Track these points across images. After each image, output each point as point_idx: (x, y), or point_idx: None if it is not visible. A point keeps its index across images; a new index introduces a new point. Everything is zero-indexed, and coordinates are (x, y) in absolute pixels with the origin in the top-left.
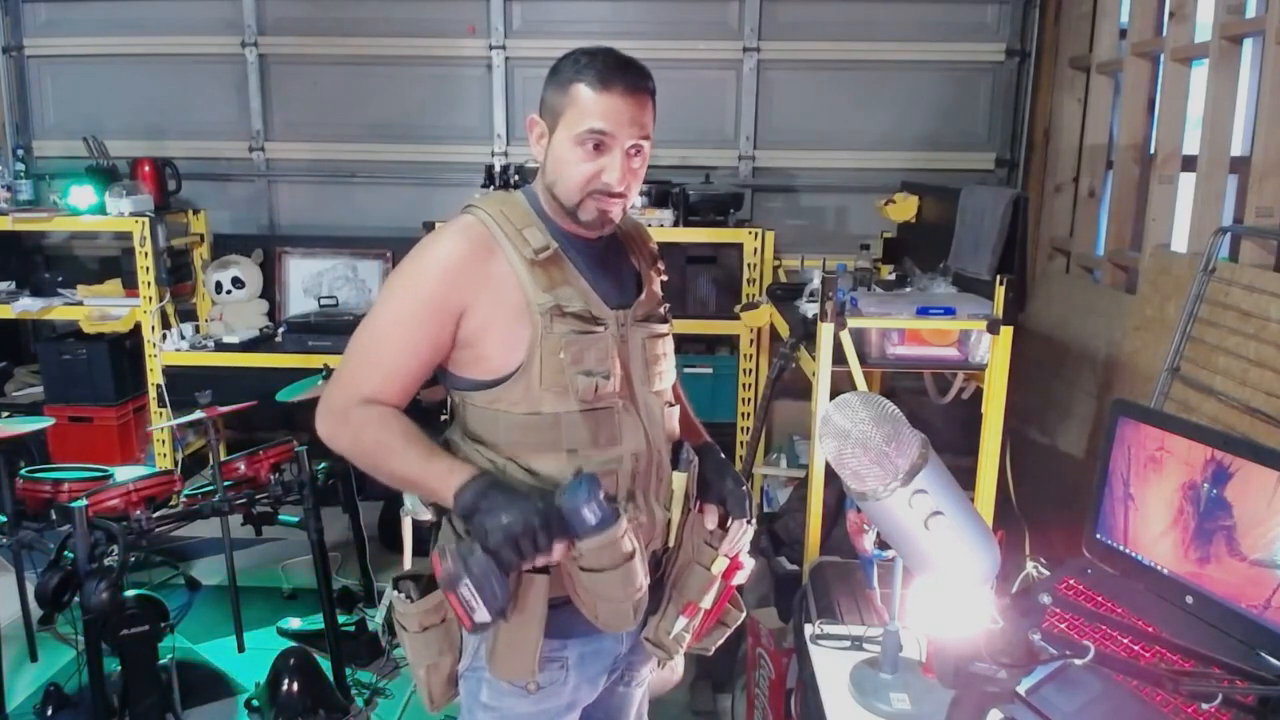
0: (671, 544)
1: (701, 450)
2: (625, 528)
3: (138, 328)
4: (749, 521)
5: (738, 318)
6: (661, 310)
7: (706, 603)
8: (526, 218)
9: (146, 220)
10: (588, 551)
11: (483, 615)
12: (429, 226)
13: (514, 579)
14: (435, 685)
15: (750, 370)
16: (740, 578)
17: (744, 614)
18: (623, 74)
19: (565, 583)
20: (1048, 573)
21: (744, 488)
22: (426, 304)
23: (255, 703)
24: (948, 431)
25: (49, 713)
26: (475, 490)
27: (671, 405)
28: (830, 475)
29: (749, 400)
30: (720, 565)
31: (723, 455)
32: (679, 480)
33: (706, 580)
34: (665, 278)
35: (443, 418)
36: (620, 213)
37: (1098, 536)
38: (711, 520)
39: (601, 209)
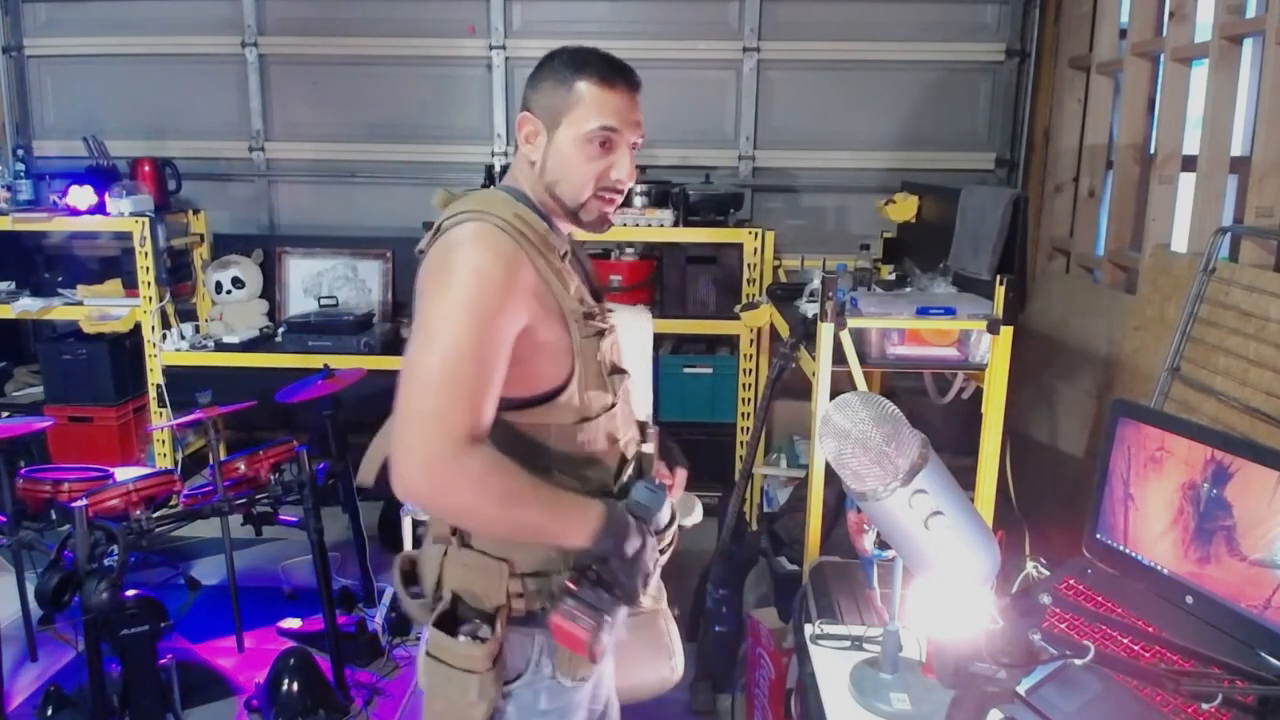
0: None
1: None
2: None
3: (138, 328)
4: (684, 465)
5: (738, 318)
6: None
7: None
8: (541, 222)
9: (146, 220)
10: (661, 542)
11: (607, 644)
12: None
13: None
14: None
15: (750, 370)
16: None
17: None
18: (623, 72)
19: None
20: (1048, 573)
21: (671, 443)
22: (499, 319)
23: (255, 703)
24: (948, 431)
25: (49, 713)
26: (610, 529)
27: None
28: (830, 475)
29: (749, 400)
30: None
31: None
32: (650, 447)
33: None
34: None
35: None
36: (614, 210)
37: (1098, 536)
38: (665, 477)
39: (604, 208)
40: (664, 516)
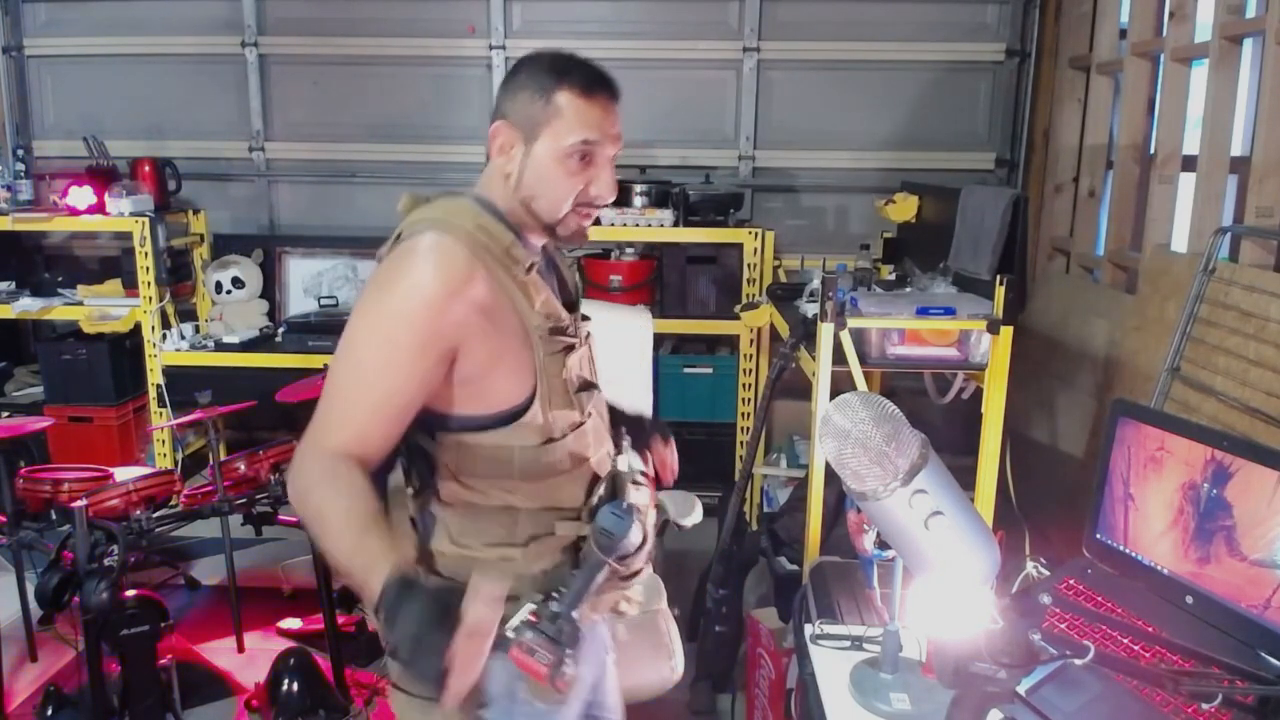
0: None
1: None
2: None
3: (138, 328)
4: (666, 436)
5: (738, 318)
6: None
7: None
8: (506, 233)
9: (146, 220)
10: (630, 566)
11: (571, 674)
12: None
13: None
14: None
15: (750, 370)
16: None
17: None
18: (604, 82)
19: None
20: (1048, 573)
21: (641, 421)
22: (417, 342)
23: (255, 703)
24: (948, 431)
25: (49, 713)
26: (384, 608)
27: None
28: (830, 475)
29: (749, 400)
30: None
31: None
32: (625, 459)
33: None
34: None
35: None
36: (591, 223)
37: (1098, 536)
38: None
39: (582, 222)
40: (632, 541)
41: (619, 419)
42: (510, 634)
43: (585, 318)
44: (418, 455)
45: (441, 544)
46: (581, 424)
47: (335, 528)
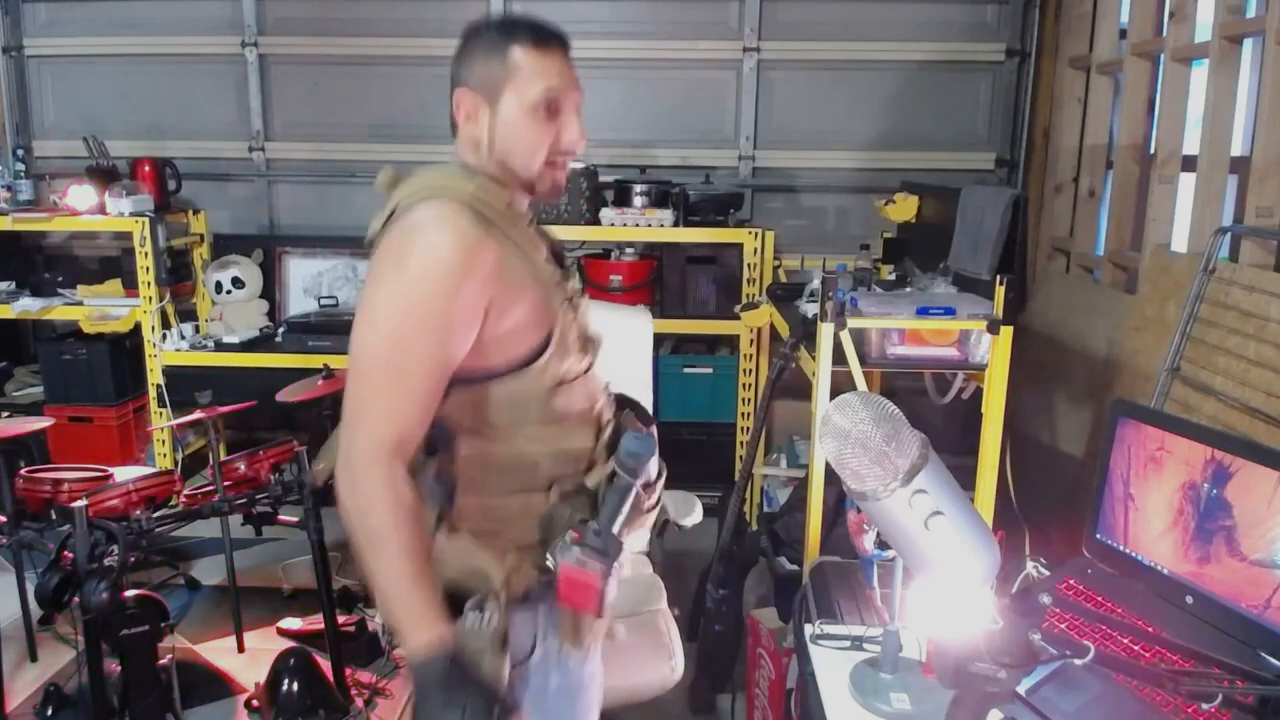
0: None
1: None
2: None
3: (138, 328)
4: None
5: (738, 318)
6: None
7: None
8: (502, 194)
9: (146, 220)
10: (652, 495)
11: (612, 596)
12: None
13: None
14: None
15: (750, 370)
16: None
17: None
18: (554, 32)
19: None
20: (1048, 573)
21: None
22: (449, 313)
23: (255, 703)
24: (948, 431)
25: (49, 713)
26: (424, 668)
27: None
28: (830, 475)
29: (749, 400)
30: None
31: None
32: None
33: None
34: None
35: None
36: (565, 176)
37: (1098, 536)
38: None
39: (556, 174)
40: (653, 466)
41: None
42: (557, 555)
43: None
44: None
45: (465, 498)
46: (588, 370)
47: (389, 558)
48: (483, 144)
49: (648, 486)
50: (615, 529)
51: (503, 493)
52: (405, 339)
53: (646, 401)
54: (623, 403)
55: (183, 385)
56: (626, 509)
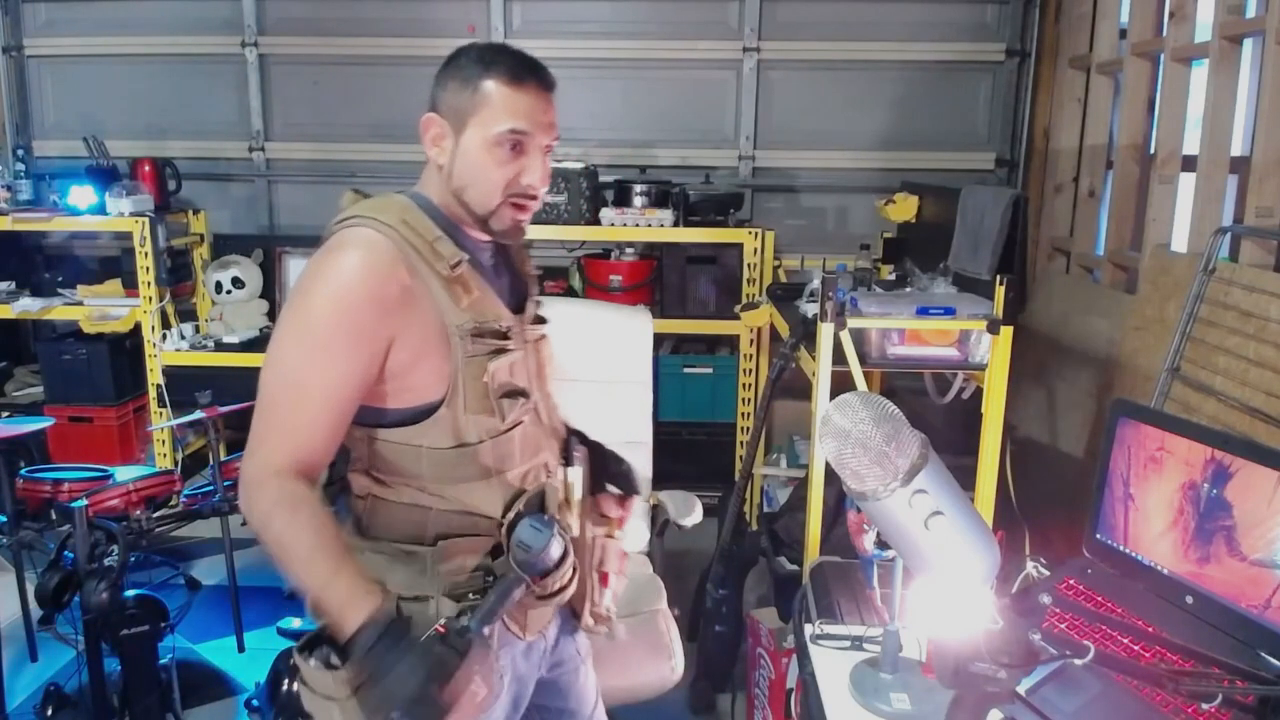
0: (577, 533)
1: (578, 437)
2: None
3: (138, 328)
4: (637, 493)
5: (738, 318)
6: (539, 307)
7: (613, 567)
8: (433, 228)
9: (146, 220)
10: (550, 584)
11: (482, 689)
12: None
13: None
14: None
15: (750, 370)
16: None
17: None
18: (534, 71)
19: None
20: (1048, 573)
21: (625, 464)
22: (355, 336)
23: (255, 703)
24: (948, 431)
25: (49, 713)
26: (366, 640)
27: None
28: (830, 475)
29: (749, 400)
30: (622, 532)
31: (589, 438)
32: (575, 475)
33: (617, 550)
34: (536, 271)
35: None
36: (529, 217)
37: (1098, 536)
38: (613, 508)
39: (516, 216)
40: (551, 555)
41: (599, 453)
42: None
43: (541, 320)
44: None
45: (352, 537)
46: (504, 432)
47: (301, 559)
48: (444, 171)
49: (547, 575)
50: (485, 630)
51: (387, 538)
52: (302, 363)
53: (646, 401)
54: (601, 456)
55: (183, 385)
56: (508, 604)
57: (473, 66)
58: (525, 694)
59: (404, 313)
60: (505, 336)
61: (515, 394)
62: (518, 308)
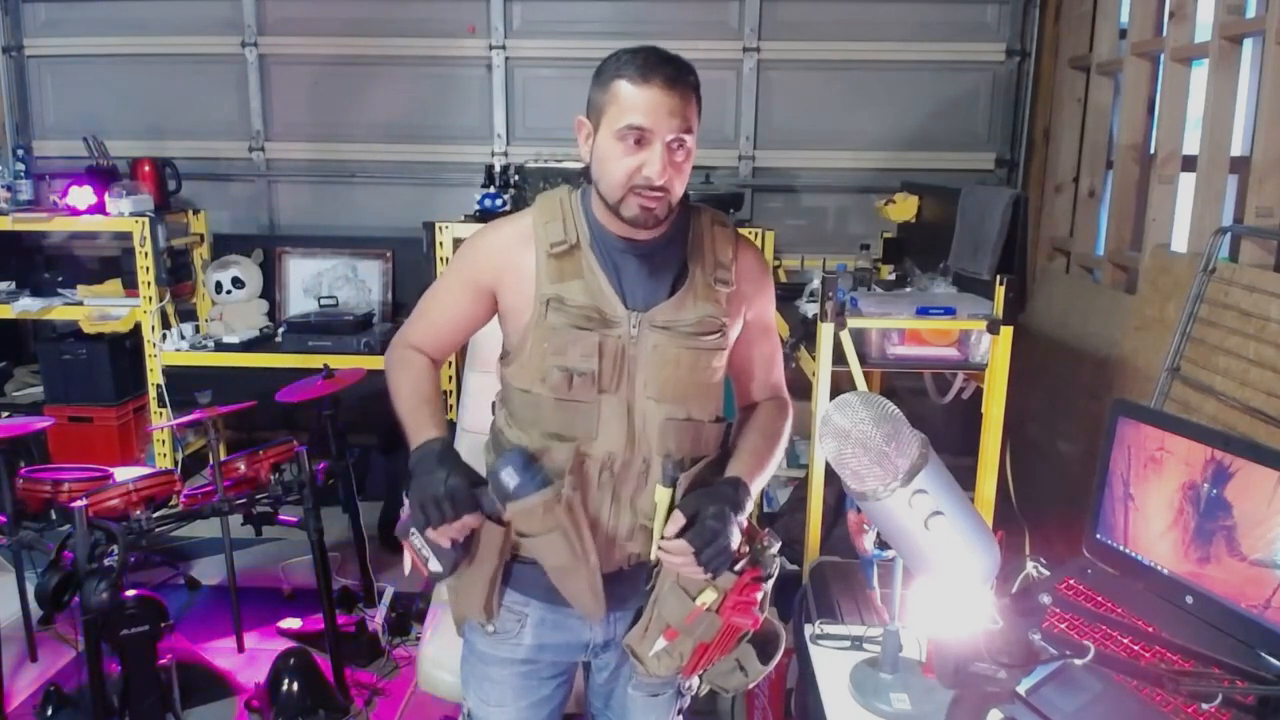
0: (651, 557)
1: (713, 479)
2: (550, 499)
3: (138, 328)
4: (760, 568)
5: None
6: (695, 322)
7: (695, 632)
8: (557, 212)
9: (146, 220)
10: (513, 514)
11: (435, 566)
12: (429, 227)
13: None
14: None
15: None
16: (743, 622)
17: (767, 668)
18: (662, 67)
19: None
20: (1048, 573)
21: (723, 525)
22: (463, 278)
23: (255, 703)
24: (948, 431)
25: (49, 713)
26: (415, 456)
27: (690, 420)
28: (830, 475)
29: None
30: (707, 598)
31: (735, 492)
32: (661, 494)
33: (687, 607)
34: (731, 288)
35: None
36: (666, 209)
37: (1098, 536)
38: (679, 550)
39: (644, 205)
40: (507, 483)
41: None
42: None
43: (700, 333)
44: None
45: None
46: (561, 400)
47: (397, 399)
48: (591, 166)
49: (505, 501)
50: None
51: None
52: (437, 284)
53: None
54: (700, 498)
55: (183, 385)
56: (485, 503)
57: (610, 68)
58: (551, 663)
59: (504, 273)
60: (602, 321)
61: (567, 370)
62: (647, 304)
